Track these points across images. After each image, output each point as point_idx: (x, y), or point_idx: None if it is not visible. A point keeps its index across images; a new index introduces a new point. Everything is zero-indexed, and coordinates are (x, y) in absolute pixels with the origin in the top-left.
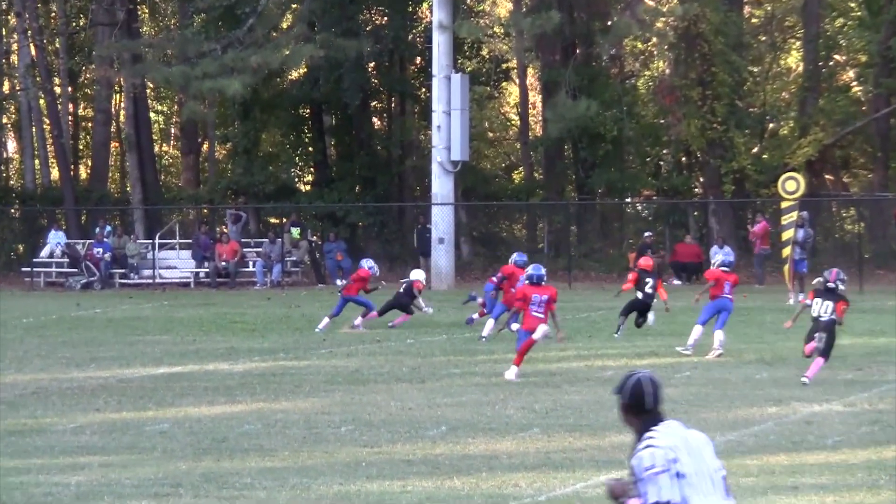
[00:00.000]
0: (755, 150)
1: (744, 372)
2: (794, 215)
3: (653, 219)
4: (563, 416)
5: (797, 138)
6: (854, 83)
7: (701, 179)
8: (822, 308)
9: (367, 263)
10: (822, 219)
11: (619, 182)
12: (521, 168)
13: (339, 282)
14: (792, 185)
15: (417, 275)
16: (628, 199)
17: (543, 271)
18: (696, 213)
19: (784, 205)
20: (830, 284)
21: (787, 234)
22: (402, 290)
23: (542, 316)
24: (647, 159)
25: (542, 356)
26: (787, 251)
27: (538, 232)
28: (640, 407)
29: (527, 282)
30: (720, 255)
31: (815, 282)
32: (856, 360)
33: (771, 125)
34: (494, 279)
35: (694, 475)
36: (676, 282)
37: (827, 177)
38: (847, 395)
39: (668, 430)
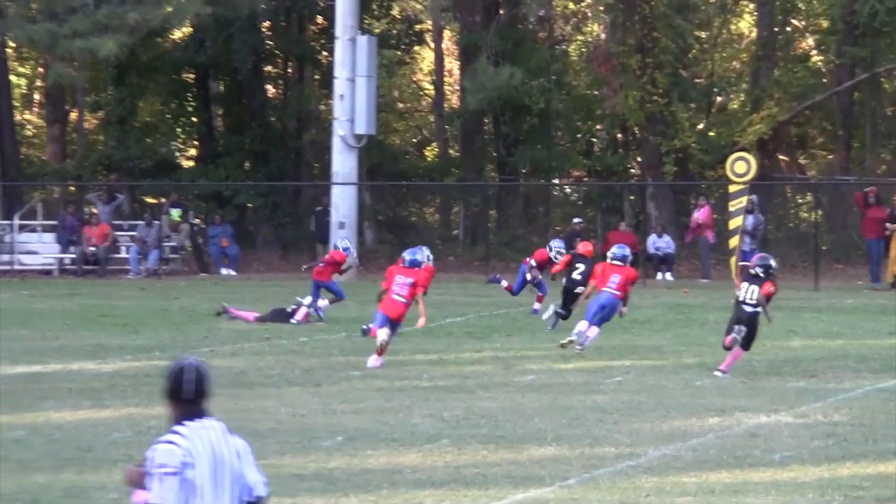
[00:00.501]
0: (701, 126)
1: (682, 378)
2: (743, 200)
3: (583, 203)
4: (476, 425)
5: (748, 114)
6: (814, 52)
7: (638, 159)
8: (748, 293)
9: (342, 244)
10: (774, 205)
11: (546, 161)
12: (434, 144)
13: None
14: (742, 166)
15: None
16: (556, 181)
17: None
18: (632, 198)
19: (732, 189)
20: (752, 270)
21: (735, 222)
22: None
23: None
24: (578, 136)
25: (455, 357)
26: (734, 241)
27: (453, 216)
28: (178, 396)
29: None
30: (614, 248)
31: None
32: (809, 365)
33: (719, 98)
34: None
35: (207, 487)
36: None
37: (781, 157)
38: (798, 405)
39: (198, 430)
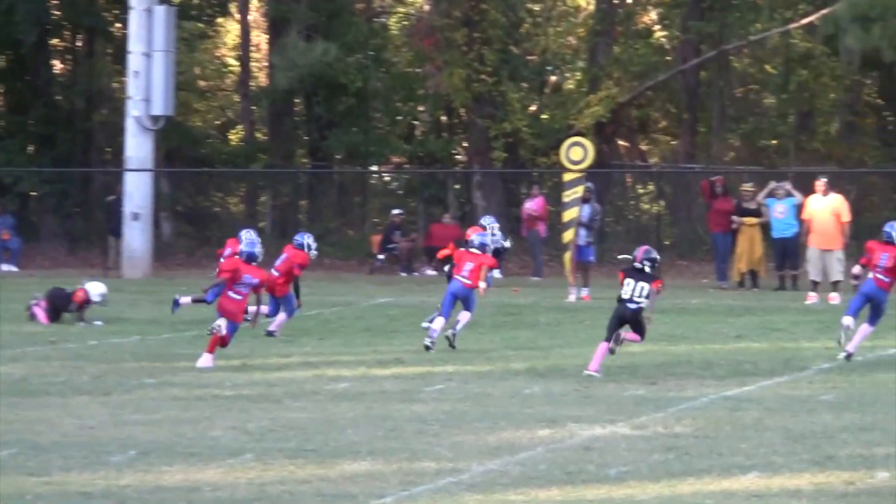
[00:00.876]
0: (533, 108)
1: (510, 385)
2: (578, 190)
3: (404, 193)
4: (284, 438)
5: (585, 95)
6: (657, 27)
7: (465, 144)
8: (636, 290)
9: (307, 240)
10: (613, 195)
11: (363, 146)
12: (239, 126)
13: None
14: (577, 152)
15: (93, 288)
16: (374, 168)
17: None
18: (457, 186)
19: (567, 177)
20: (637, 265)
21: (571, 214)
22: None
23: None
24: (399, 118)
25: (261, 363)
26: (569, 235)
27: (259, 207)
28: None
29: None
30: (474, 235)
31: (621, 256)
32: (649, 371)
33: (553, 78)
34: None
35: None
36: (430, 271)
37: (621, 143)
38: (636, 416)
39: None
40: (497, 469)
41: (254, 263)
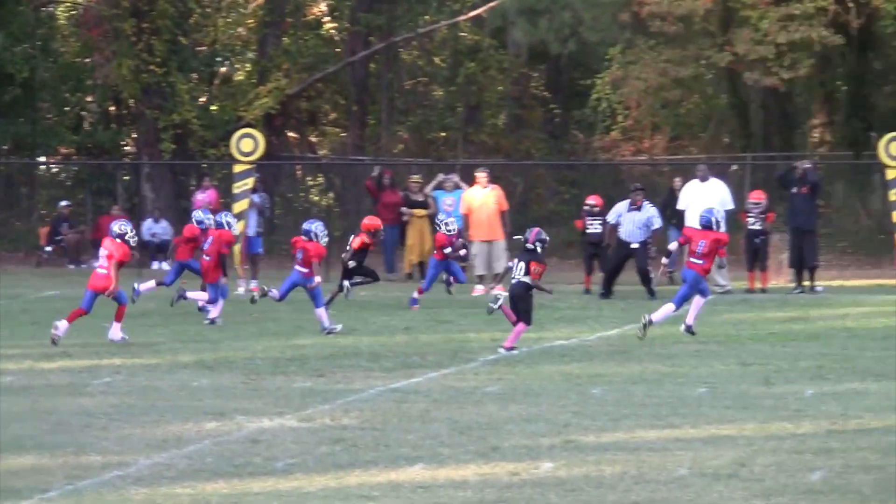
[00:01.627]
0: (203, 99)
1: (178, 378)
2: (249, 182)
3: (72, 184)
4: None
5: (255, 86)
6: (326, 18)
7: (134, 136)
8: (517, 269)
9: (196, 216)
10: (284, 187)
11: (31, 137)
12: None
13: None
14: (248, 144)
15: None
16: (42, 159)
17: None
18: (126, 178)
19: (237, 168)
20: (529, 245)
21: (241, 206)
22: None
23: None
24: (67, 108)
25: None
26: (241, 226)
27: None
28: None
29: None
30: (305, 224)
31: (514, 238)
32: (317, 364)
33: (223, 69)
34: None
35: None
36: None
37: (291, 135)
38: (304, 408)
39: None
40: (164, 462)
41: None
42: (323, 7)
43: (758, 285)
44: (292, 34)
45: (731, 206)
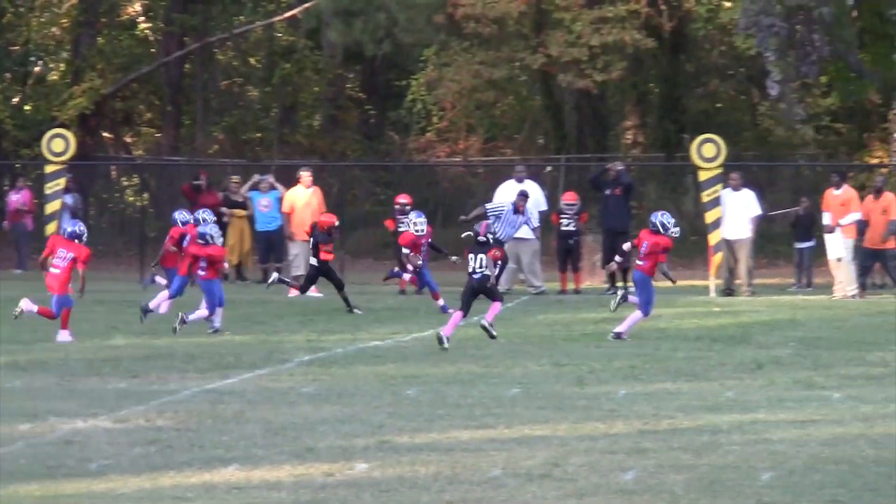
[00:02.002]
0: (16, 99)
1: None
2: (62, 182)
3: None
4: None
5: (69, 86)
6: (141, 18)
7: None
8: (478, 262)
9: (180, 216)
10: (99, 187)
11: None
12: None
13: None
14: (59, 144)
15: None
16: None
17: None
18: None
19: (49, 169)
20: (482, 238)
21: (53, 206)
22: None
23: None
24: None
25: None
26: (52, 227)
27: None
28: None
29: None
30: (199, 228)
31: (464, 235)
32: (131, 364)
33: (37, 69)
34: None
35: None
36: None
37: (105, 135)
38: (118, 409)
39: None
40: None
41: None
42: (137, 7)
43: (571, 286)
44: (107, 34)
45: (544, 207)
